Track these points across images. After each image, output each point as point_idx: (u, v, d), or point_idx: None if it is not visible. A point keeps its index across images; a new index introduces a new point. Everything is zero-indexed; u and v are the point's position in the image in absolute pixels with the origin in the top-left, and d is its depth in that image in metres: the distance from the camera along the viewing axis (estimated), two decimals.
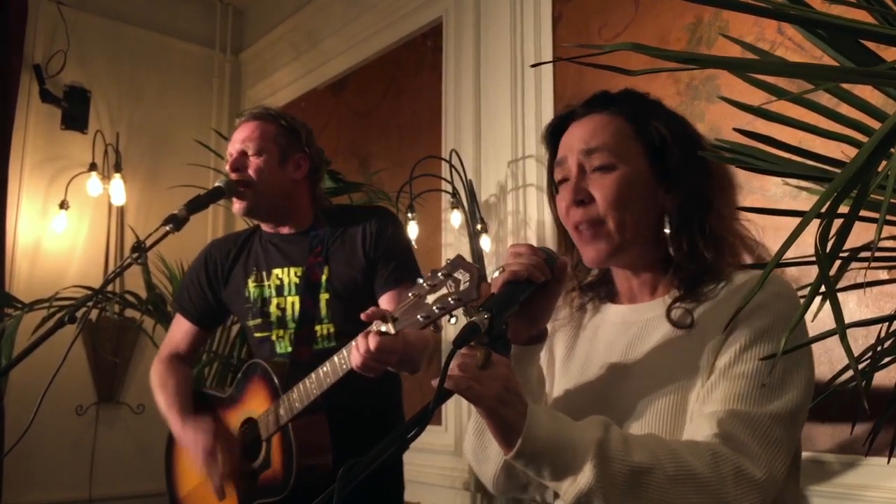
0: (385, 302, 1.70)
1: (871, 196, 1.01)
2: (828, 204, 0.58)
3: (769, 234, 1.10)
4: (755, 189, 2.02)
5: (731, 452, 0.85)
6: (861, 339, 1.69)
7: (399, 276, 1.72)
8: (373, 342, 1.36)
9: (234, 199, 1.77)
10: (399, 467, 1.86)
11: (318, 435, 1.64)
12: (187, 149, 4.20)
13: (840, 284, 1.22)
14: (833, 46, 0.84)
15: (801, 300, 0.98)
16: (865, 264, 1.23)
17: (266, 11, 4.30)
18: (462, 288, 1.16)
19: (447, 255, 2.96)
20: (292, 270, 1.80)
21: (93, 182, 3.74)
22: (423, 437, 2.90)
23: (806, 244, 0.80)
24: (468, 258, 2.74)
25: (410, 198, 2.71)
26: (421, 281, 1.21)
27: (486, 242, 2.70)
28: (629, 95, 1.10)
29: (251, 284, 1.83)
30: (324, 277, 1.76)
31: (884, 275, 1.46)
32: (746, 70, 0.59)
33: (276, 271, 1.81)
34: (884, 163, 0.65)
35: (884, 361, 1.07)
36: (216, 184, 1.84)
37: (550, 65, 2.55)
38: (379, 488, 1.71)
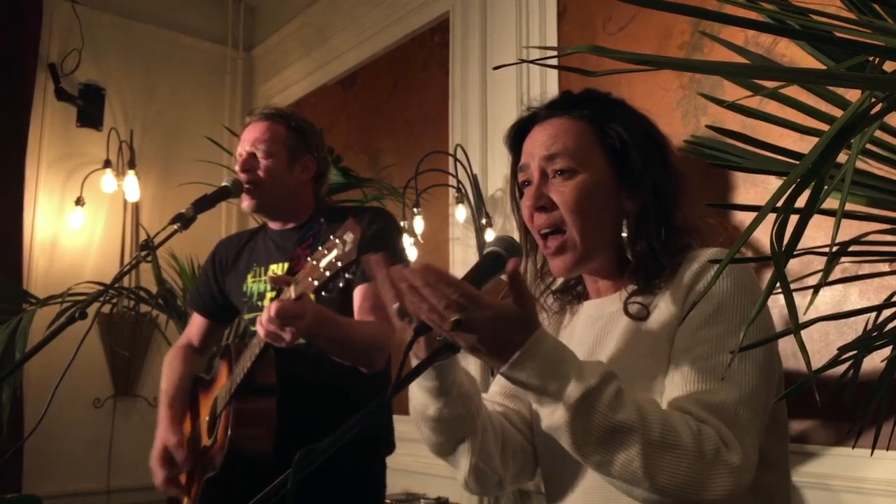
0: (357, 296, 1.70)
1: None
2: (784, 198, 0.59)
3: (765, 226, 1.11)
4: (758, 183, 2.02)
5: (714, 434, 0.86)
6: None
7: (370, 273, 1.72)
8: (273, 307, 1.37)
9: (244, 197, 1.81)
10: (381, 468, 1.87)
11: (260, 410, 1.65)
12: (200, 145, 4.25)
13: (842, 276, 1.23)
14: (813, 45, 0.84)
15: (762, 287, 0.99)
16: (862, 258, 1.24)
17: (277, 8, 4.33)
18: (346, 250, 1.29)
19: (454, 250, 2.98)
20: (286, 265, 1.83)
21: (107, 179, 3.80)
22: None
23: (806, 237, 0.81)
24: (474, 253, 2.78)
25: (416, 193, 2.74)
26: (321, 247, 1.32)
27: (491, 237, 2.72)
28: (592, 96, 1.11)
29: (250, 279, 1.88)
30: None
31: (885, 267, 1.46)
32: (697, 71, 0.61)
33: (273, 266, 1.85)
34: (844, 156, 0.66)
35: (876, 352, 1.08)
36: (223, 183, 1.88)
37: (556, 59, 2.56)
38: (360, 487, 1.75)
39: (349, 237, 1.31)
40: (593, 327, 1.10)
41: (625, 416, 0.83)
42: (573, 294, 1.18)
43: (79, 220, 3.75)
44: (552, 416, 0.83)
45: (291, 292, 1.38)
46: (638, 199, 1.04)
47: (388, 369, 1.75)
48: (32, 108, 3.67)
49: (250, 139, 1.81)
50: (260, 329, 1.44)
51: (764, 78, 0.58)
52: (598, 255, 1.06)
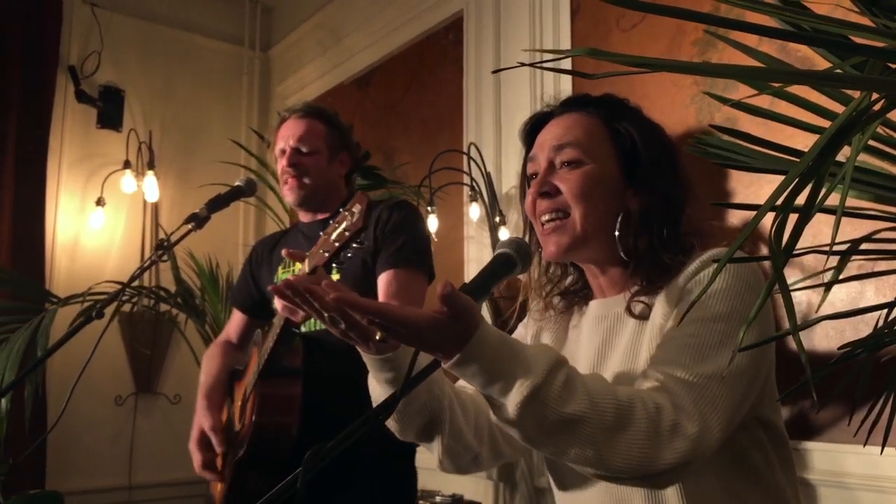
0: (381, 282, 1.73)
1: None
2: (783, 197, 0.59)
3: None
4: (773, 179, 2.00)
5: (672, 408, 0.86)
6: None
7: (398, 258, 1.74)
8: (284, 281, 1.39)
9: (288, 191, 1.85)
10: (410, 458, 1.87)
11: (284, 395, 1.67)
12: (218, 145, 4.30)
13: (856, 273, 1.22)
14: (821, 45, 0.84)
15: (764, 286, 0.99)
16: (873, 256, 1.22)
17: (293, 8, 4.36)
18: (354, 220, 1.34)
19: (469, 248, 2.98)
20: None
21: (127, 179, 3.85)
22: None
23: (812, 235, 0.80)
24: (489, 251, 2.79)
25: (430, 191, 2.74)
26: (332, 221, 1.36)
27: (505, 235, 2.72)
28: (608, 100, 1.12)
29: (280, 271, 1.92)
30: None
31: None
32: (694, 73, 0.61)
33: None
34: (846, 151, 0.66)
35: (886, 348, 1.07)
36: (236, 183, 1.91)
37: (570, 59, 2.55)
38: (392, 477, 1.76)
39: (357, 208, 1.36)
40: (599, 327, 1.10)
41: (574, 408, 0.81)
42: (579, 295, 1.18)
43: (99, 221, 3.80)
44: (500, 412, 0.82)
45: (305, 266, 1.42)
46: (643, 198, 1.05)
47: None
48: (53, 110, 3.72)
49: (294, 135, 1.85)
50: (277, 304, 1.47)
51: (762, 79, 0.58)
52: (595, 243, 1.06)
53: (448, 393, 1.02)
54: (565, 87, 2.62)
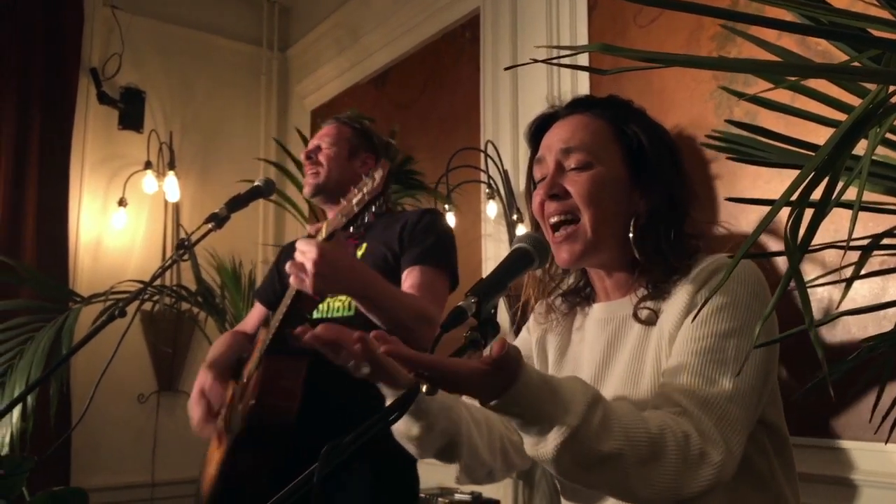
0: (405, 277, 1.73)
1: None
2: (798, 192, 0.59)
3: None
4: (793, 174, 1.98)
5: (698, 435, 0.86)
6: None
7: (425, 256, 1.74)
8: (299, 242, 1.42)
9: (305, 182, 1.90)
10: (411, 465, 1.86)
11: (287, 371, 1.66)
12: (238, 145, 4.35)
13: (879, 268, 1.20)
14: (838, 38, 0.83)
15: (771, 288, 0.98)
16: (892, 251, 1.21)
17: (311, 8, 4.38)
18: (374, 185, 1.37)
19: (486, 246, 2.98)
20: None
21: (148, 180, 3.90)
22: None
23: (834, 231, 0.79)
24: (506, 249, 2.78)
25: (447, 189, 2.75)
26: (353, 188, 1.39)
27: (522, 232, 2.72)
28: (613, 101, 1.12)
29: None
30: (359, 253, 1.83)
31: None
32: (705, 68, 0.60)
33: None
34: (863, 145, 0.65)
35: None
36: (255, 183, 1.93)
37: (586, 55, 2.54)
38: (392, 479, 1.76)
39: (378, 173, 1.38)
40: (604, 331, 1.10)
41: (611, 445, 0.82)
42: (582, 296, 1.18)
43: (121, 221, 3.85)
44: (537, 449, 0.83)
45: (323, 232, 1.44)
46: (649, 199, 1.05)
47: None
48: (76, 112, 3.78)
49: (319, 135, 1.94)
50: (289, 268, 1.46)
51: (777, 73, 0.58)
52: (606, 248, 1.06)
53: (465, 416, 1.03)
54: (582, 83, 2.61)
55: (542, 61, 0.58)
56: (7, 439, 2.62)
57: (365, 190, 1.40)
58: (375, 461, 1.67)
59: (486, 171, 2.83)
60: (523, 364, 0.82)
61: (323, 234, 1.45)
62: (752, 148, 0.84)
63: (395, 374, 0.82)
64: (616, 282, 1.11)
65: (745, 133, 0.85)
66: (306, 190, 1.90)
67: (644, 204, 1.05)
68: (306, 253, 1.42)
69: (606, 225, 1.04)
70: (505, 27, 3.01)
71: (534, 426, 0.82)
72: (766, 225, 0.61)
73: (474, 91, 3.15)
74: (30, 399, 2.58)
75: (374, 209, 1.40)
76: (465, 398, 1.07)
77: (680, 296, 1.00)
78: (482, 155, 2.87)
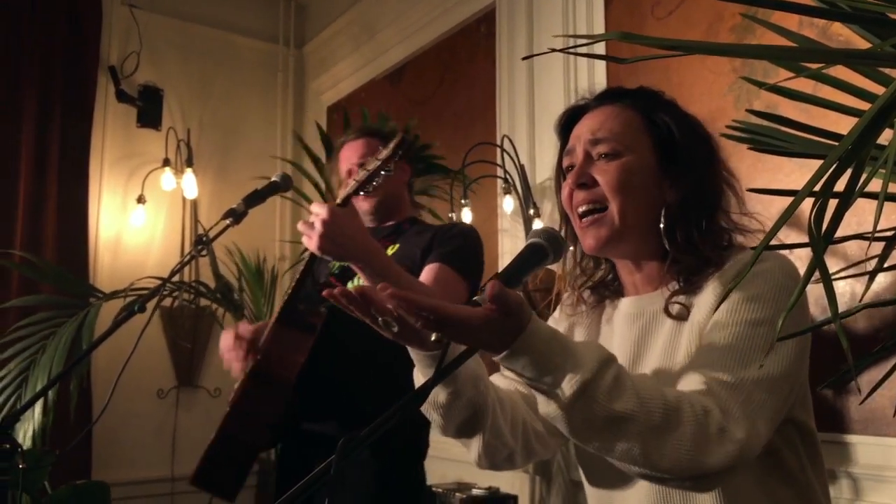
0: (425, 271, 1.73)
1: None
2: (822, 182, 0.58)
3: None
4: (815, 166, 1.96)
5: (720, 412, 0.85)
6: None
7: (450, 257, 1.74)
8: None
9: (361, 201, 1.87)
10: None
11: (290, 347, 1.67)
12: (255, 142, 4.37)
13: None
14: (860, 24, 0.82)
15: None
16: None
17: (326, 4, 4.39)
18: (387, 152, 1.47)
19: (503, 241, 2.98)
20: None
21: (167, 177, 3.93)
22: None
23: (857, 223, 0.77)
24: (522, 244, 2.77)
25: (464, 184, 2.74)
26: (370, 157, 1.49)
27: (539, 227, 2.71)
28: (643, 92, 1.11)
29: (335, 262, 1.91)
30: (389, 250, 1.84)
31: None
32: (728, 55, 0.59)
33: None
34: (888, 135, 0.64)
35: None
36: (272, 178, 1.93)
37: (603, 45, 2.52)
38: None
39: (393, 142, 1.48)
40: (634, 325, 1.08)
41: (623, 405, 0.81)
42: (610, 289, 1.17)
43: (140, 218, 3.88)
44: (548, 406, 0.83)
45: (338, 199, 1.48)
46: (679, 190, 1.03)
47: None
48: (95, 110, 3.81)
49: (354, 155, 1.93)
50: (300, 226, 1.50)
51: (798, 59, 0.57)
52: (633, 237, 1.05)
53: (491, 391, 1.02)
54: (599, 77, 2.59)
55: (561, 50, 0.57)
56: (29, 433, 2.65)
57: (379, 156, 1.47)
58: (381, 456, 1.67)
59: (503, 166, 2.82)
60: (533, 315, 0.82)
61: (338, 201, 1.49)
62: (774, 138, 0.82)
63: (423, 335, 0.82)
64: (646, 275, 1.09)
65: (766, 123, 0.83)
66: (364, 208, 1.91)
67: (674, 194, 1.03)
68: (318, 214, 1.46)
69: (634, 214, 1.03)
70: (521, 21, 2.99)
71: (545, 377, 0.81)
72: (789, 215, 0.60)
73: (490, 86, 3.14)
74: (51, 394, 2.61)
75: (385, 172, 1.50)
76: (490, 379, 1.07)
77: (712, 290, 0.99)
78: (498, 150, 2.86)
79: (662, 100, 1.12)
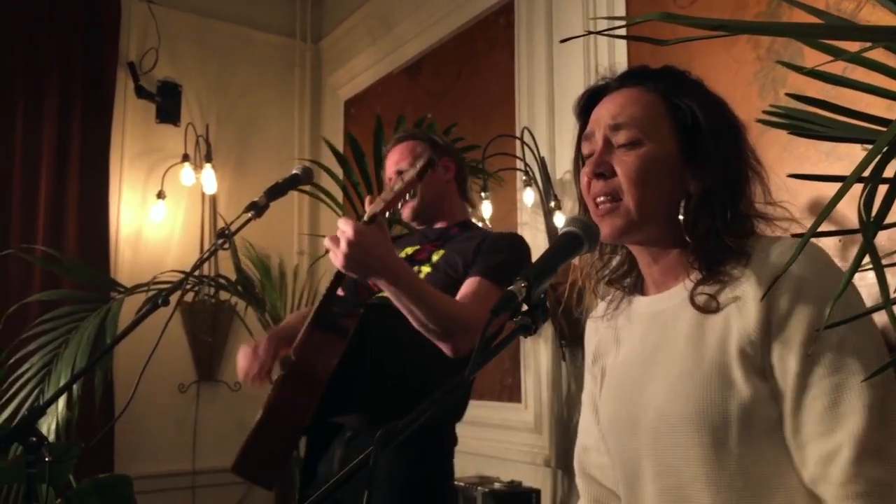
0: (465, 284, 1.71)
1: None
2: (871, 167, 0.56)
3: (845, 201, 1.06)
4: (842, 156, 1.93)
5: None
6: None
7: (492, 271, 1.71)
8: (340, 221, 1.48)
9: (403, 207, 1.90)
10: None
11: (323, 347, 1.69)
12: (273, 137, 4.38)
13: None
14: None
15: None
16: None
17: None
18: (415, 172, 1.46)
19: (523, 234, 2.95)
20: (416, 248, 1.91)
21: (186, 172, 3.94)
22: (503, 413, 2.93)
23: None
24: (543, 237, 2.76)
25: (484, 177, 2.72)
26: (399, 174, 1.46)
27: (560, 220, 2.69)
28: (668, 72, 1.07)
29: None
30: (435, 256, 1.84)
31: None
32: (773, 34, 0.58)
33: (408, 249, 1.92)
34: None
35: None
36: (293, 171, 1.93)
37: (624, 31, 2.49)
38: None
39: (420, 162, 1.47)
40: (656, 322, 1.05)
41: None
42: (630, 284, 1.13)
43: (160, 213, 3.90)
44: None
45: (366, 216, 1.49)
46: (703, 179, 1.00)
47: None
48: (114, 107, 3.83)
49: (394, 161, 1.94)
50: (327, 243, 1.51)
51: (844, 38, 0.55)
52: (650, 226, 1.02)
53: None
54: (620, 64, 2.54)
55: (600, 32, 0.56)
56: (52, 427, 2.67)
57: (407, 176, 1.45)
58: (408, 448, 1.64)
59: (523, 159, 2.80)
60: None
61: (365, 218, 1.48)
62: (814, 123, 0.80)
63: None
64: (665, 265, 1.06)
65: (811, 108, 0.80)
66: (406, 215, 1.92)
67: (696, 184, 1.00)
68: (345, 232, 1.46)
69: (653, 205, 1.00)
70: (540, 12, 2.97)
71: None
72: (835, 203, 0.58)
73: (509, 78, 3.12)
74: (75, 388, 2.63)
75: (410, 195, 1.50)
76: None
77: (748, 288, 0.93)
78: (518, 142, 2.85)
79: (688, 80, 1.07)
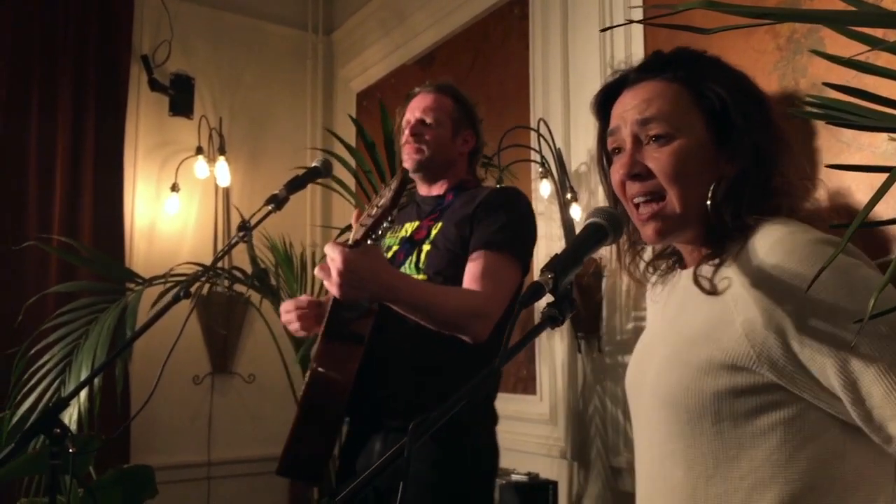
0: (469, 263, 1.68)
1: None
2: None
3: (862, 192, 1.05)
4: (864, 146, 1.91)
5: None
6: None
7: (492, 239, 1.68)
8: (327, 248, 1.47)
9: (407, 156, 1.87)
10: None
11: (341, 357, 1.68)
12: (285, 129, 4.38)
13: None
14: None
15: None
16: None
17: None
18: (388, 197, 1.45)
19: (539, 226, 2.94)
20: (416, 224, 1.87)
21: (200, 165, 3.96)
22: (518, 405, 2.93)
23: None
24: (559, 229, 2.75)
25: (499, 169, 2.72)
26: (377, 195, 1.46)
27: (576, 212, 2.68)
28: (685, 56, 1.05)
29: (388, 236, 1.91)
30: (434, 231, 1.81)
31: None
32: (819, 21, 0.57)
33: (408, 225, 1.89)
34: None
35: None
36: (313, 164, 1.94)
37: (641, 27, 2.48)
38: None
39: (393, 184, 1.45)
40: (676, 297, 1.07)
41: None
42: (670, 262, 1.13)
43: (174, 206, 3.92)
44: None
45: (350, 239, 1.48)
46: (737, 162, 0.98)
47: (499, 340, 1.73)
48: (128, 100, 3.84)
49: (420, 107, 1.89)
50: (318, 272, 1.50)
51: (883, 26, 0.55)
52: (694, 224, 1.01)
53: None
54: (637, 54, 2.54)
55: (641, 22, 0.55)
56: (75, 418, 2.70)
57: (381, 202, 1.44)
58: (440, 442, 1.60)
59: (538, 150, 2.80)
60: None
61: (350, 241, 1.47)
62: (850, 113, 0.79)
63: None
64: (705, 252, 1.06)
65: (847, 97, 0.80)
66: (408, 164, 1.87)
67: (731, 168, 0.98)
68: (334, 261, 1.44)
69: (693, 200, 0.99)
70: (555, 2, 2.95)
71: None
72: (881, 195, 0.57)
73: (523, 69, 3.11)
74: (97, 380, 2.65)
75: (388, 220, 1.49)
76: None
77: (750, 266, 0.92)
78: (533, 133, 2.84)
79: (707, 63, 1.05)
